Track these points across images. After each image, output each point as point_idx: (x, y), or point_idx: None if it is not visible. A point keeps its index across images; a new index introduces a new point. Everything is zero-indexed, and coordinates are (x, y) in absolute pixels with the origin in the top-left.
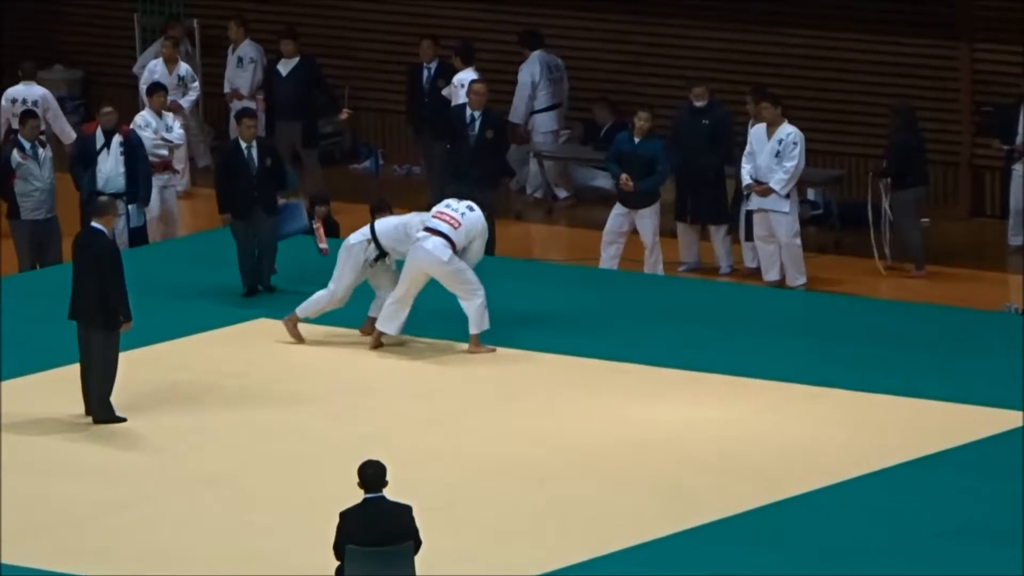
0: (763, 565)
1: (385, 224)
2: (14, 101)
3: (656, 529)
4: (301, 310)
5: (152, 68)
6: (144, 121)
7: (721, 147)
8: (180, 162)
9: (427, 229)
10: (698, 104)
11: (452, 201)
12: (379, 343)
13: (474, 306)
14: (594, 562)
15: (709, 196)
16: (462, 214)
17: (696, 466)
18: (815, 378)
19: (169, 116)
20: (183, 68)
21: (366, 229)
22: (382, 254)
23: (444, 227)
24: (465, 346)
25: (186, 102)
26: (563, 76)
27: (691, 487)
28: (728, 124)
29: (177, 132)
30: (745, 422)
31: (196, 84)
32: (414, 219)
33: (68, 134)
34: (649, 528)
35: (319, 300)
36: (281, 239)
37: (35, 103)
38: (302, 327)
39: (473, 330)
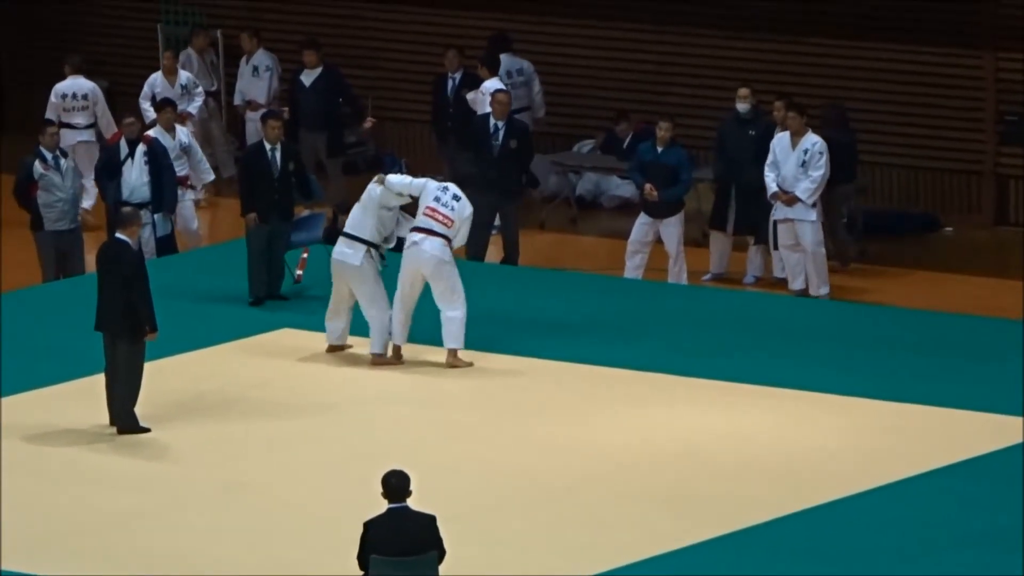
0: (782, 574)
1: (355, 223)
2: (64, 96)
3: (677, 539)
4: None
5: (152, 82)
6: None
7: (766, 158)
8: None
9: (420, 229)
10: (742, 109)
11: (438, 192)
12: (400, 357)
13: (459, 319)
14: (616, 572)
15: (754, 207)
16: (452, 208)
17: (716, 475)
18: (835, 387)
19: (182, 132)
20: (184, 76)
21: (358, 247)
22: (377, 248)
23: (439, 227)
24: (482, 355)
25: (193, 108)
26: (530, 80)
27: (710, 497)
28: (772, 135)
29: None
30: (765, 431)
31: (200, 91)
32: (367, 197)
33: (112, 129)
34: (670, 538)
35: (384, 324)
36: (291, 248)
37: (85, 96)
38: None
39: (454, 344)
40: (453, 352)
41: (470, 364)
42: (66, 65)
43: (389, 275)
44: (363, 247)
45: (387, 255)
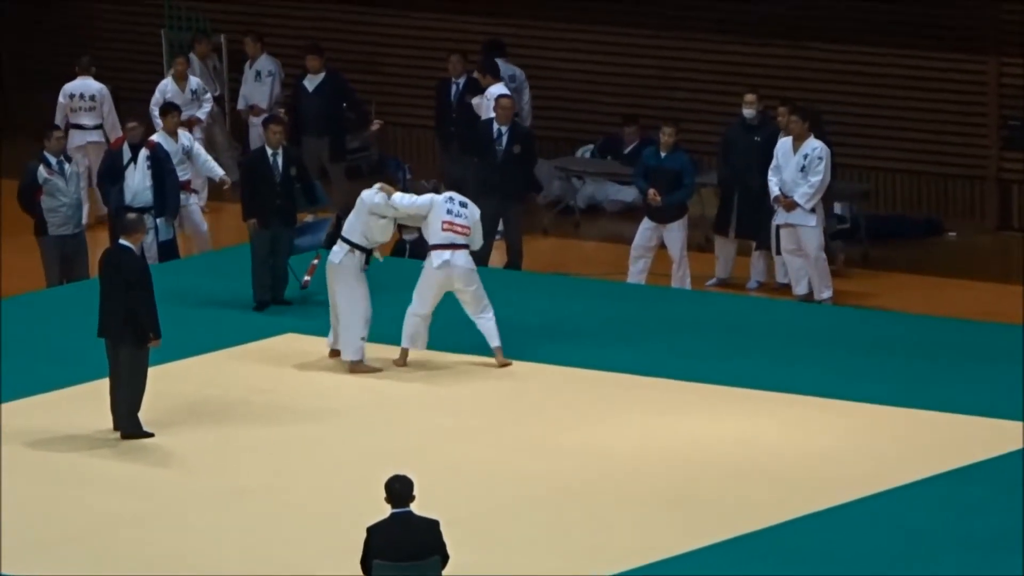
0: None
1: (347, 226)
2: (71, 96)
3: (682, 543)
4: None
5: (163, 87)
6: None
7: (771, 164)
8: (200, 176)
9: (444, 245)
10: (748, 114)
11: (448, 204)
12: (405, 361)
13: (493, 320)
14: None
15: (757, 213)
16: (465, 217)
17: (720, 479)
18: (837, 392)
19: (185, 137)
20: (194, 82)
21: (343, 247)
22: (366, 253)
23: (461, 239)
24: (486, 359)
25: (202, 114)
26: (521, 87)
27: (714, 501)
28: (777, 141)
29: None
30: (768, 436)
31: (208, 96)
32: (359, 202)
33: (116, 131)
34: (675, 542)
35: (358, 330)
36: (294, 253)
37: (92, 97)
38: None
39: (498, 342)
40: (499, 349)
41: (510, 363)
42: (76, 66)
43: (395, 281)
44: (347, 247)
45: (380, 260)
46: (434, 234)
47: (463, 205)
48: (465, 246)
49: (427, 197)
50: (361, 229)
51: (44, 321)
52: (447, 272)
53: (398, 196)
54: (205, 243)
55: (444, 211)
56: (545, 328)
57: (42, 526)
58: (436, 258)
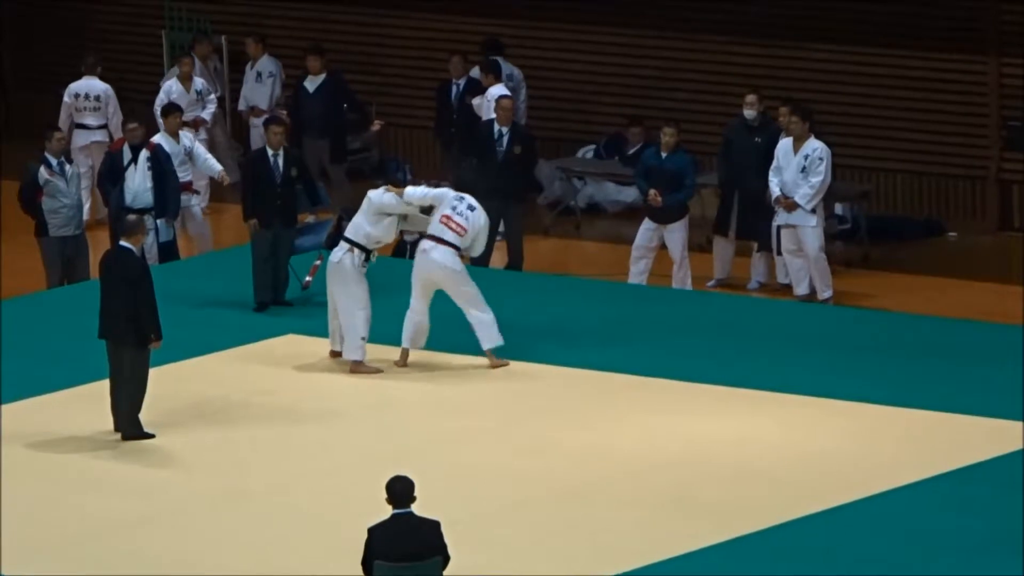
0: None
1: (352, 226)
2: (77, 96)
3: (683, 543)
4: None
5: (168, 88)
6: None
7: (772, 165)
8: (202, 178)
9: (432, 237)
10: (748, 115)
11: (455, 202)
12: (406, 361)
13: (486, 320)
14: None
15: (757, 213)
16: (467, 218)
17: (721, 480)
18: (838, 392)
19: (186, 137)
20: (199, 83)
21: (344, 247)
22: (365, 253)
23: (451, 236)
24: (486, 360)
25: (206, 115)
26: (518, 87)
27: (715, 501)
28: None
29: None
30: (769, 436)
31: (213, 97)
32: (366, 203)
33: (120, 132)
34: (676, 542)
35: (357, 329)
36: (294, 253)
37: (98, 97)
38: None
39: (488, 345)
40: (491, 352)
41: (506, 363)
42: (82, 65)
43: (395, 281)
44: (347, 246)
45: (373, 261)
46: (432, 225)
47: (471, 208)
48: (454, 245)
49: (441, 190)
50: (366, 229)
51: (45, 322)
52: (424, 263)
53: (410, 188)
54: (207, 244)
55: (449, 207)
56: (545, 328)
57: (42, 527)
58: (420, 246)
